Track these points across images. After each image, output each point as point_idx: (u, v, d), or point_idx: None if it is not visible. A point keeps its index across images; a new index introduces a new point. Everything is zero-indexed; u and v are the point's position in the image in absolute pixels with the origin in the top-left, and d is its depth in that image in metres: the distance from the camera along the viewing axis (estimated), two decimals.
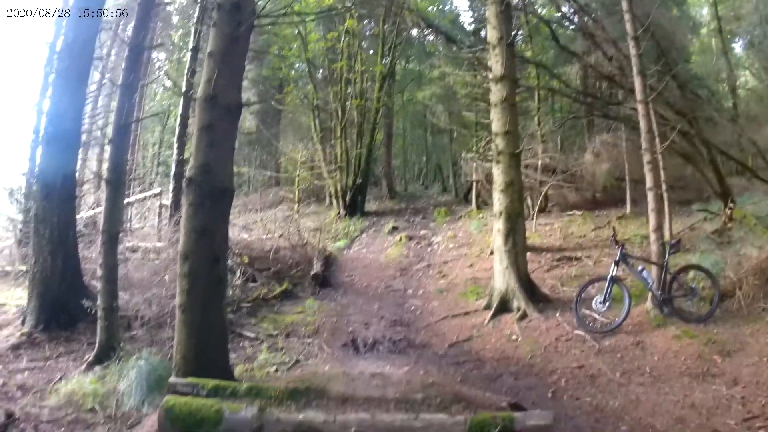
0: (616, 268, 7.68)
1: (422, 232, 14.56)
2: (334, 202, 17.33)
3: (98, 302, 6.44)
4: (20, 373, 6.09)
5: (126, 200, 12.39)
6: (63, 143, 7.82)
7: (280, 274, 11.13)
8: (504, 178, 8.74)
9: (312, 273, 11.03)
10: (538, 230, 12.41)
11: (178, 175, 11.13)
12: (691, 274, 7.79)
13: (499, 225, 8.81)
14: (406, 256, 12.69)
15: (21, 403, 5.29)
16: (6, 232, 12.59)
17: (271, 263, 11.39)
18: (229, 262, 10.67)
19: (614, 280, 7.64)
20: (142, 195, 14.46)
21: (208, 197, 5.59)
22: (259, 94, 18.92)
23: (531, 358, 7.17)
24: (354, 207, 16.85)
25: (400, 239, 13.79)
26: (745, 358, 6.03)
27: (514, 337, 7.79)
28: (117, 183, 6.66)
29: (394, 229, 15.03)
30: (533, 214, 12.82)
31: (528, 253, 10.65)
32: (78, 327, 7.18)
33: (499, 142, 8.82)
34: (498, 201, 8.89)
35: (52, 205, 7.69)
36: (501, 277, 8.69)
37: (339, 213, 16.80)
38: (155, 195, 13.96)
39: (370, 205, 18.45)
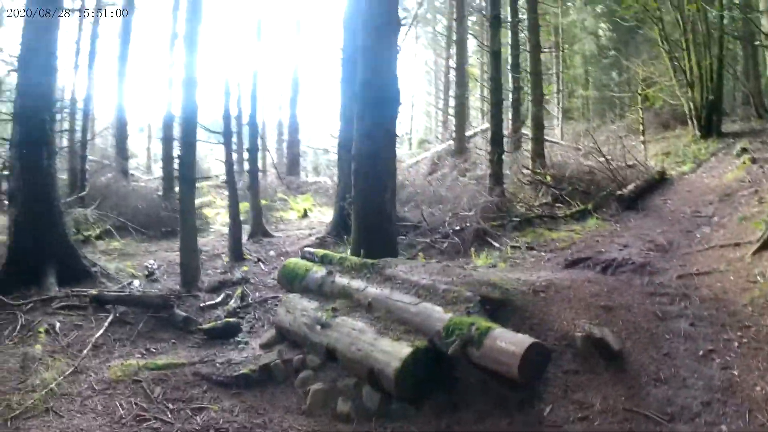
0: None
1: None
2: (689, 123, 15.03)
3: None
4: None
5: None
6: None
7: (588, 194, 10.77)
8: None
9: (617, 194, 10.21)
10: None
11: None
12: None
13: None
14: (741, 180, 10.06)
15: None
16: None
17: (582, 184, 11.12)
18: (524, 179, 11.10)
19: None
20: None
21: (371, 105, 6.68)
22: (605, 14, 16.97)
23: (748, 304, 5.33)
24: (709, 128, 14.24)
25: (744, 162, 11.07)
26: None
27: (759, 278, 5.80)
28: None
29: (743, 150, 12.11)
30: None
31: None
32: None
33: None
34: None
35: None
36: None
37: (693, 135, 14.58)
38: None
39: (731, 126, 15.02)
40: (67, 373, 4.66)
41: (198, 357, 5.25)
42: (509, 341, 3.81)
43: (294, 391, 4.68)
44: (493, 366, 3.87)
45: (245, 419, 4.29)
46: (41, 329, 5.45)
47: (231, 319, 5.95)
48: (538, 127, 12.10)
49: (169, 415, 4.27)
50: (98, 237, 10.48)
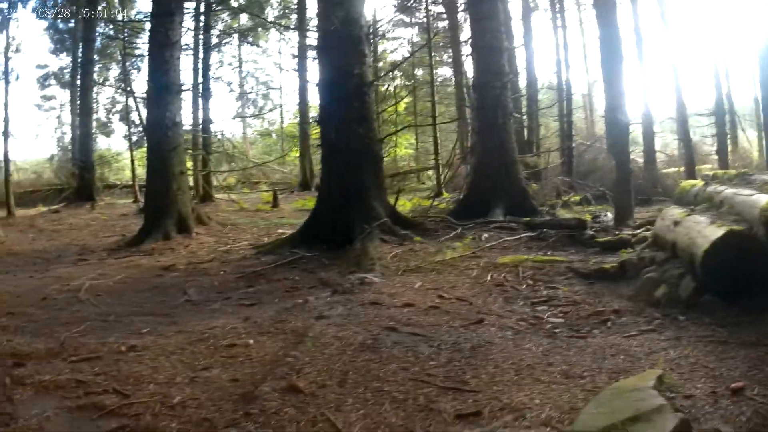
0: None
1: None
2: None
3: None
4: None
5: None
6: None
7: None
8: None
9: None
10: None
11: None
12: None
13: None
14: None
15: None
16: None
17: None
18: None
19: None
20: None
21: None
22: None
23: None
24: None
25: None
26: None
27: None
28: None
29: None
30: None
31: None
32: None
33: None
34: None
35: None
36: None
37: None
38: None
39: None
40: (465, 255, 6.02)
41: (578, 258, 5.75)
42: None
43: (637, 282, 4.64)
44: None
45: (580, 298, 4.57)
46: (469, 237, 7.04)
47: (623, 235, 6.12)
48: None
49: (523, 287, 4.97)
50: (578, 203, 11.69)
